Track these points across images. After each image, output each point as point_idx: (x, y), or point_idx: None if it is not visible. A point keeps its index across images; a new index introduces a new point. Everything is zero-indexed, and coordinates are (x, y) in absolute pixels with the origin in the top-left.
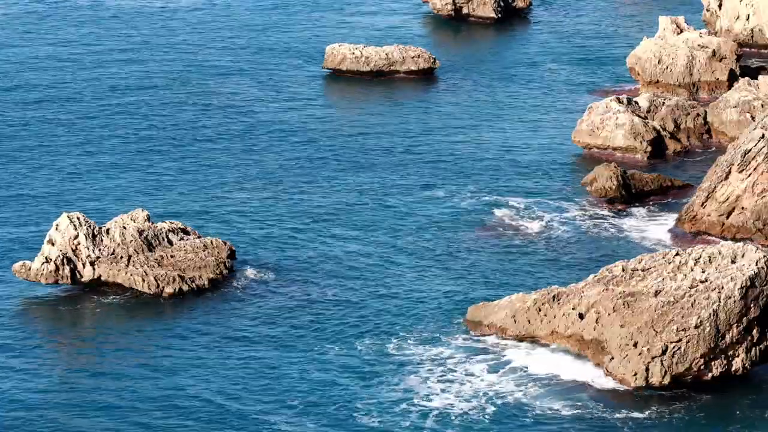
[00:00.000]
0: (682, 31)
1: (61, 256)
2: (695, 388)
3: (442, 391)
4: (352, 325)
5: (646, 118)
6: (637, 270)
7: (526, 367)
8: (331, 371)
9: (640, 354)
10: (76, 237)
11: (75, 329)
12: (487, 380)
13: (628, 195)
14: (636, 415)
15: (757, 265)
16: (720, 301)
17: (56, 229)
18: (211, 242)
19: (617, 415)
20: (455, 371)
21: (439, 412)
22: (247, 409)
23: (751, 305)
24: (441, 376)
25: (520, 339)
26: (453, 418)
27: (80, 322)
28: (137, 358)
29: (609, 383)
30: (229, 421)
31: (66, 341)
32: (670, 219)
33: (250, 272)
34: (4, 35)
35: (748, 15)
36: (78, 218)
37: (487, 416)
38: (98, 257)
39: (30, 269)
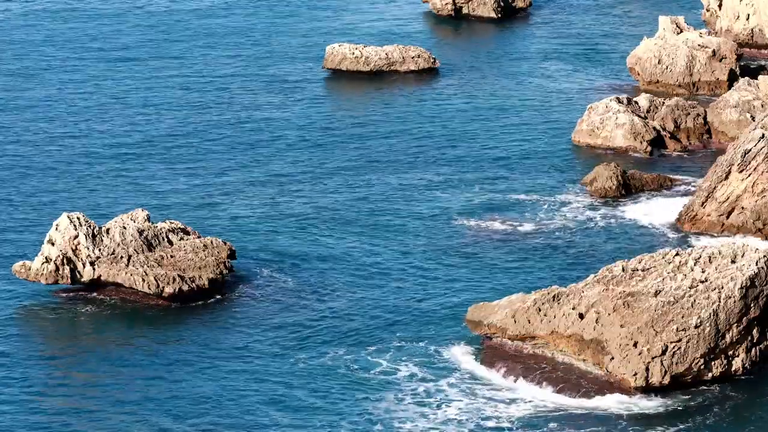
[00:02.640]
0: (682, 31)
1: (61, 256)
2: (695, 389)
3: (422, 415)
4: (346, 333)
5: (646, 118)
6: (637, 270)
7: (519, 389)
8: (324, 382)
9: (640, 354)
10: (76, 237)
11: (74, 330)
12: (475, 403)
13: (627, 195)
14: (635, 429)
15: (757, 265)
16: (720, 301)
17: (56, 229)
18: (211, 242)
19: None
20: (445, 390)
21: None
22: (233, 421)
23: (751, 305)
24: (431, 392)
25: (521, 339)
26: None
27: (80, 323)
28: (131, 360)
29: (602, 403)
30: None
31: (65, 342)
32: (670, 219)
33: (254, 274)
34: (2, 38)
35: (748, 15)
36: (78, 218)
37: None
38: (98, 257)
39: (30, 269)
